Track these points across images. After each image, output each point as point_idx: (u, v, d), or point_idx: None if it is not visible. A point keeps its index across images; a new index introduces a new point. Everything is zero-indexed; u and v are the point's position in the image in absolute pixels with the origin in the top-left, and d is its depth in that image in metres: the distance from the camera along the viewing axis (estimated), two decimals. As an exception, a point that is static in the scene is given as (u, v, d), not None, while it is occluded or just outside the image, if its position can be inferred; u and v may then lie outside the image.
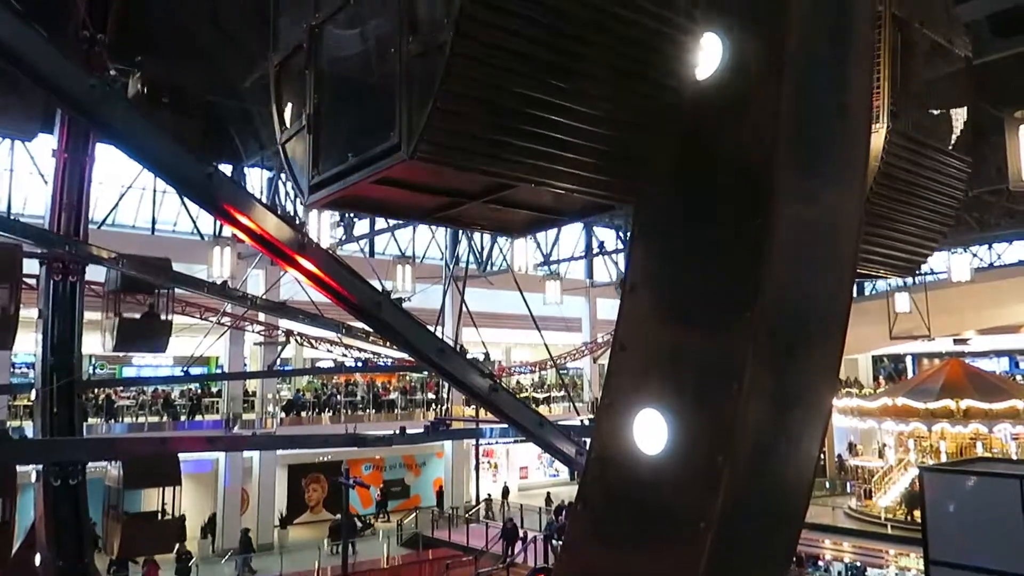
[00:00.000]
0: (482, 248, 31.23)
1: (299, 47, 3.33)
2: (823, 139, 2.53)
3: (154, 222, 27.71)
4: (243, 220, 4.34)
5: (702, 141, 2.65)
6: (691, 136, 2.69)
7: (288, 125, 3.48)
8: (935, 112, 5.08)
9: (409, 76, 2.80)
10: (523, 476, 38.33)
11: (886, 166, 4.74)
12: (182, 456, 14.84)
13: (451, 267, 29.56)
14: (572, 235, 35.41)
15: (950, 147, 5.05)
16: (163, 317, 15.34)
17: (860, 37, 2.66)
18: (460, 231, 30.35)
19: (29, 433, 16.97)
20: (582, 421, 16.22)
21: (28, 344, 14.66)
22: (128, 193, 27.00)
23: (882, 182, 4.73)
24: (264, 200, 27.67)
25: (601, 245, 32.59)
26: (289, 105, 3.51)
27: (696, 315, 2.50)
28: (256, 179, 28.03)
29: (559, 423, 7.16)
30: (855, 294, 18.31)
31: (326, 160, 3.21)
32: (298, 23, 3.30)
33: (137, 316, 15.19)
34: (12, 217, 19.83)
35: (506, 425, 6.62)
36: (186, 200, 24.27)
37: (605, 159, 3.25)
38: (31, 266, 13.42)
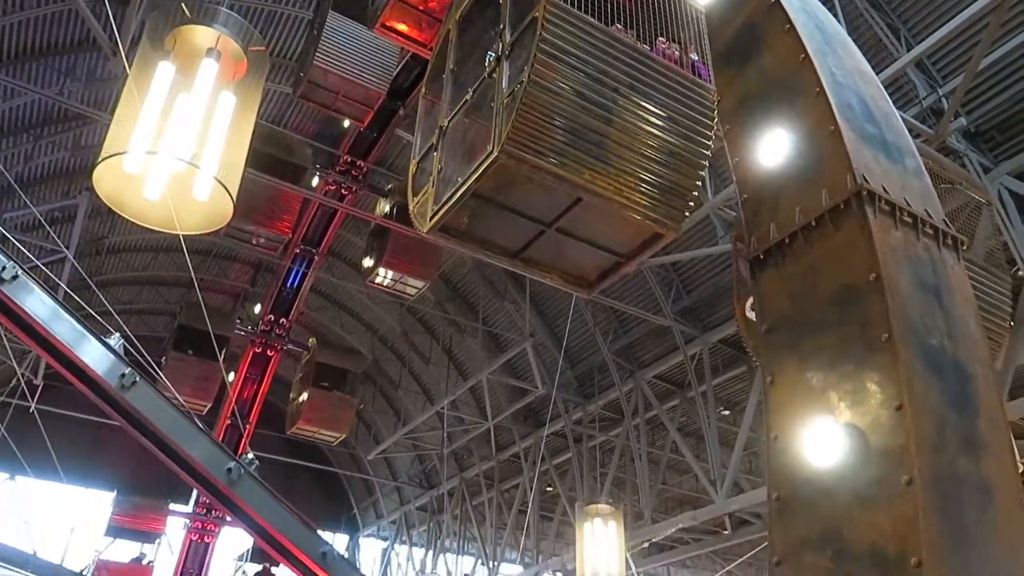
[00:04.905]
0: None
1: (431, 147, 4.91)
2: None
3: (263, 596, 27.80)
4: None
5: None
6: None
7: (417, 194, 4.88)
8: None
9: (499, 112, 4.23)
10: None
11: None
12: None
13: None
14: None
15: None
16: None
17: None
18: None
19: None
20: None
21: None
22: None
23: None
24: (377, 569, 27.62)
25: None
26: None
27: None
28: (373, 547, 28.54)
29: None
30: None
31: (443, 192, 4.50)
32: (430, 128, 4.97)
33: None
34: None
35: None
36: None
37: (649, 185, 4.36)
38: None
